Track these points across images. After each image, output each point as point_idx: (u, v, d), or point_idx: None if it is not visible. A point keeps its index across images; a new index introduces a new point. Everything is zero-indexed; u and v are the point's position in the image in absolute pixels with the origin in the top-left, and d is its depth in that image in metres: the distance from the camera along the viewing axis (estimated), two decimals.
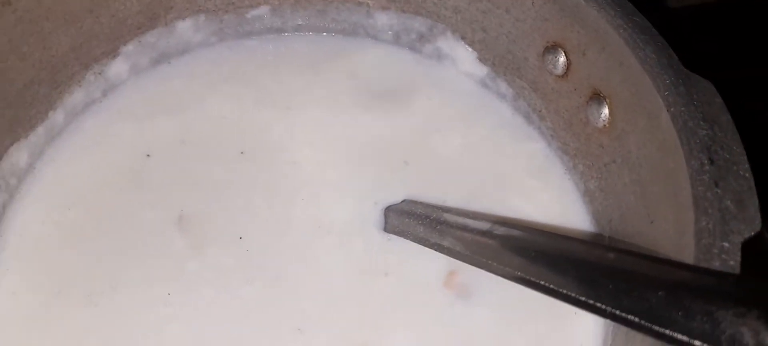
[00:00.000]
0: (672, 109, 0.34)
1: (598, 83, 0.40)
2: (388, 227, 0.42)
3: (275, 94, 0.47)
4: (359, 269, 0.40)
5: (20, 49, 0.41)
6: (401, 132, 0.46)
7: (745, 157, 0.32)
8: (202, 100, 0.47)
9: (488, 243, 0.36)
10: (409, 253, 0.40)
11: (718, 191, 0.30)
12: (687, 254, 0.30)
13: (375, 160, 0.45)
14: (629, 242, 0.38)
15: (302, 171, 0.44)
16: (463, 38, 0.48)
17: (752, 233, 0.29)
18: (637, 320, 0.26)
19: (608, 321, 0.38)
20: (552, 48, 0.42)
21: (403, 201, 0.43)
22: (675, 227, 0.33)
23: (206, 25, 0.49)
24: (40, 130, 0.44)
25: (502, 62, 0.47)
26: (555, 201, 0.44)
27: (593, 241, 0.42)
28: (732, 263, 0.29)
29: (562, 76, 0.43)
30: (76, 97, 0.45)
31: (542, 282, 0.31)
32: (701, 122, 0.33)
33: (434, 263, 0.40)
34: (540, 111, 0.45)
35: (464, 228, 0.38)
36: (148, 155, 0.44)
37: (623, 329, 0.36)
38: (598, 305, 0.28)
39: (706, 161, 0.31)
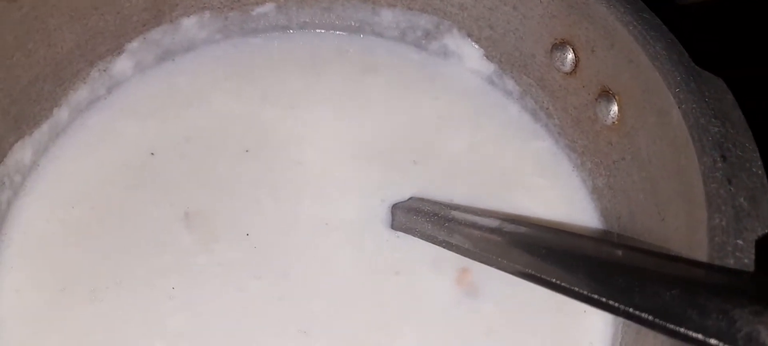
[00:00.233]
0: (683, 106, 0.33)
1: (607, 80, 0.40)
2: (396, 225, 0.41)
3: (280, 92, 0.47)
4: (369, 268, 0.40)
5: (25, 45, 0.40)
6: (407, 130, 0.46)
7: (758, 154, 0.32)
8: (207, 98, 0.47)
9: (497, 240, 0.36)
10: (418, 251, 0.40)
11: (731, 188, 0.30)
12: (699, 252, 0.30)
13: (381, 157, 0.45)
14: (639, 239, 0.38)
15: (308, 169, 0.44)
16: (469, 35, 0.47)
17: (766, 231, 0.29)
18: (650, 318, 0.26)
19: (618, 320, 0.38)
20: (560, 45, 0.42)
21: (410, 198, 0.42)
22: (687, 224, 0.33)
23: (211, 22, 0.48)
24: (45, 127, 0.43)
25: (509, 59, 0.46)
26: (563, 199, 0.44)
27: (603, 238, 0.41)
28: (746, 260, 0.28)
29: (570, 73, 0.42)
30: (81, 94, 0.45)
31: (553, 279, 0.30)
32: (713, 119, 0.33)
33: (445, 261, 0.40)
34: (547, 108, 0.45)
35: (472, 225, 0.37)
36: (152, 153, 0.44)
37: (634, 327, 0.36)
38: (610, 302, 0.28)
39: (718, 158, 0.31)
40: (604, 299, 0.28)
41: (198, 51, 0.49)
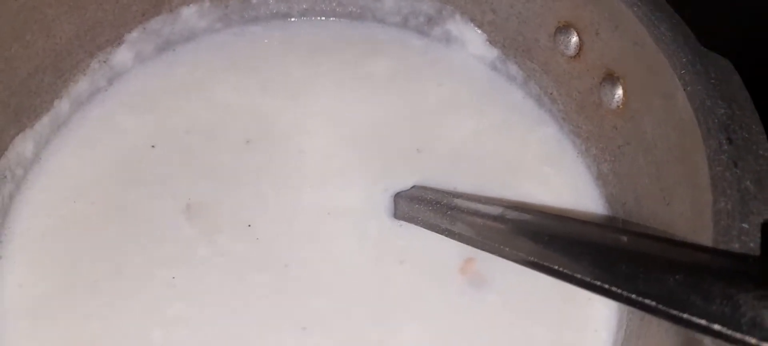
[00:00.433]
0: (689, 88, 0.33)
1: (612, 63, 0.39)
2: (398, 214, 0.41)
3: (281, 81, 0.47)
4: (372, 257, 0.40)
5: (24, 36, 0.40)
6: (410, 117, 0.45)
7: (765, 136, 0.31)
8: (208, 89, 0.46)
9: (500, 228, 0.35)
10: (422, 240, 0.40)
11: (737, 171, 0.30)
12: (705, 237, 0.30)
13: (383, 146, 0.44)
14: (644, 225, 0.37)
15: (309, 158, 0.44)
16: (472, 20, 0.47)
17: None
18: (653, 303, 0.25)
19: (623, 306, 0.37)
20: (564, 28, 0.42)
21: (413, 187, 0.42)
22: (692, 208, 0.32)
23: (211, 10, 0.48)
24: (46, 119, 0.43)
25: (512, 44, 0.46)
26: (567, 185, 0.43)
27: (607, 224, 0.41)
28: (752, 244, 0.28)
29: (574, 56, 0.42)
30: (81, 86, 0.45)
31: (556, 266, 0.30)
32: (719, 101, 0.32)
33: (449, 249, 0.39)
34: (551, 93, 0.45)
35: (475, 213, 0.37)
36: (153, 146, 0.44)
37: (638, 313, 0.35)
38: (614, 289, 0.27)
39: (724, 141, 0.31)
40: (607, 286, 0.28)
41: (198, 40, 0.48)
